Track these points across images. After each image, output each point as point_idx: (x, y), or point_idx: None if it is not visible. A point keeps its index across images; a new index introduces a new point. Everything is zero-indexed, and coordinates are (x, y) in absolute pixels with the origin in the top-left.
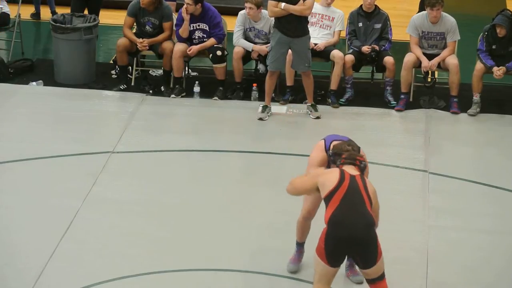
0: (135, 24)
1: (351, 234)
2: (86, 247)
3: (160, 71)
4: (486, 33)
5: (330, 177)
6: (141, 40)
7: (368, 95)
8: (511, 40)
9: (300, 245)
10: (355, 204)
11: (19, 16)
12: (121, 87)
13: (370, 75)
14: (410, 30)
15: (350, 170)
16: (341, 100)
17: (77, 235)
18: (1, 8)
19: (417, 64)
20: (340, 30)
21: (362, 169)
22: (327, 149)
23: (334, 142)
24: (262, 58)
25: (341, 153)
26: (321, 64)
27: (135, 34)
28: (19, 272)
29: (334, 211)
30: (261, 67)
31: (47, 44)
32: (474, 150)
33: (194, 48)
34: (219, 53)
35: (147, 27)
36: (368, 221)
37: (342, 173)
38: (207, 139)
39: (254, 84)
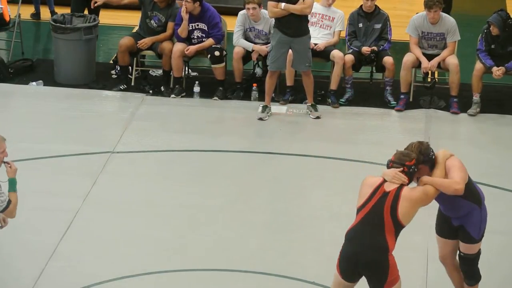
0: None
1: (357, 255)
2: (86, 247)
3: (160, 71)
4: (485, 31)
5: (366, 187)
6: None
7: (368, 95)
8: (510, 40)
9: None
10: (373, 226)
11: (19, 16)
12: (121, 87)
13: (369, 75)
14: (410, 30)
15: (390, 184)
16: (341, 100)
17: (77, 235)
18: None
19: (417, 64)
20: (340, 30)
21: (410, 175)
22: None
23: None
24: (262, 59)
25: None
26: (321, 64)
27: (139, 27)
28: (19, 272)
29: (353, 227)
30: (258, 70)
31: (47, 44)
32: (474, 150)
33: (192, 48)
34: (217, 53)
35: (152, 22)
36: (378, 246)
37: (376, 189)
38: (207, 139)
39: (254, 84)
